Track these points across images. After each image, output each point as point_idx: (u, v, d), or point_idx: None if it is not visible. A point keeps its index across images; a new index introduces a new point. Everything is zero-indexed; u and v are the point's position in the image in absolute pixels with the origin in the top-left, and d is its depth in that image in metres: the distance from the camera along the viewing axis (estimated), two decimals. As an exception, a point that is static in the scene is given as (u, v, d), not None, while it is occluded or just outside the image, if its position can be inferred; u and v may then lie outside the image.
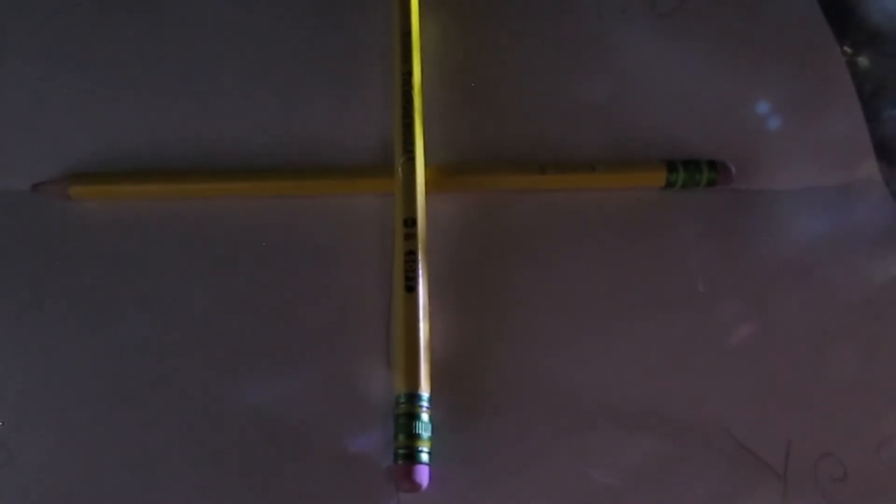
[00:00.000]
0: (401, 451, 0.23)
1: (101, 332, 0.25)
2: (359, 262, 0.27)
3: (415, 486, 0.22)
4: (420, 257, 0.25)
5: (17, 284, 0.26)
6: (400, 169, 0.27)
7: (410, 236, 0.25)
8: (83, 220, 0.27)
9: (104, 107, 0.29)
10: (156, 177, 0.28)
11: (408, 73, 0.29)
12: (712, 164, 0.29)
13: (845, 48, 0.32)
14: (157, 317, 0.26)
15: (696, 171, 0.28)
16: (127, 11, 0.31)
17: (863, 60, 0.32)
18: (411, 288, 0.25)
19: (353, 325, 0.26)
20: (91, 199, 0.27)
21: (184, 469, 0.23)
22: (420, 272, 0.25)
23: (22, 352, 0.25)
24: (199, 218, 0.27)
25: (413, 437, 0.23)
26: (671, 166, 0.28)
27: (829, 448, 0.24)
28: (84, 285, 0.26)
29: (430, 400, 0.24)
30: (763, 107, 0.31)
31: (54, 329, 0.25)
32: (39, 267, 0.26)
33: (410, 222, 0.26)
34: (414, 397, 0.23)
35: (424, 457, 0.23)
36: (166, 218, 0.27)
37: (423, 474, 0.22)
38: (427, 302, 0.25)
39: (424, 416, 0.23)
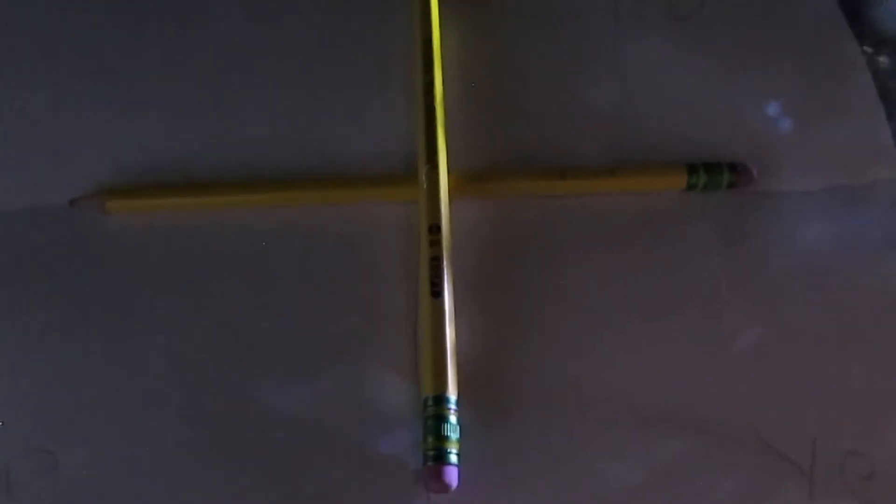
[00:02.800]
0: (430, 453, 0.23)
1: (137, 341, 0.26)
2: (385, 269, 0.27)
3: (445, 487, 0.23)
4: (445, 263, 0.26)
5: (56, 297, 0.27)
6: (424, 177, 0.27)
7: (435, 243, 0.26)
8: (118, 233, 0.28)
9: (134, 123, 0.30)
10: (187, 189, 0.29)
11: (430, 83, 0.29)
12: (733, 167, 0.29)
13: (865, 48, 0.32)
14: (190, 325, 0.26)
15: (717, 173, 0.29)
16: (154, 30, 0.32)
17: (883, 60, 0.32)
18: (437, 293, 0.25)
19: (381, 330, 0.26)
20: (125, 212, 0.28)
21: (216, 472, 0.24)
22: (445, 278, 0.26)
23: (63, 362, 0.26)
24: (228, 228, 0.28)
25: (442, 438, 0.23)
26: (692, 169, 0.29)
27: (856, 446, 0.24)
28: (121, 296, 0.27)
29: (458, 402, 0.24)
30: (782, 108, 0.31)
31: (94, 340, 0.26)
32: (78, 280, 0.27)
33: (435, 229, 0.26)
34: (442, 399, 0.24)
35: (454, 458, 0.23)
36: (197, 229, 0.28)
37: (452, 475, 0.23)
38: (452, 307, 0.25)
39: (452, 418, 0.24)
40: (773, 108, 0.31)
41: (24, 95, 0.30)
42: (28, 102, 0.30)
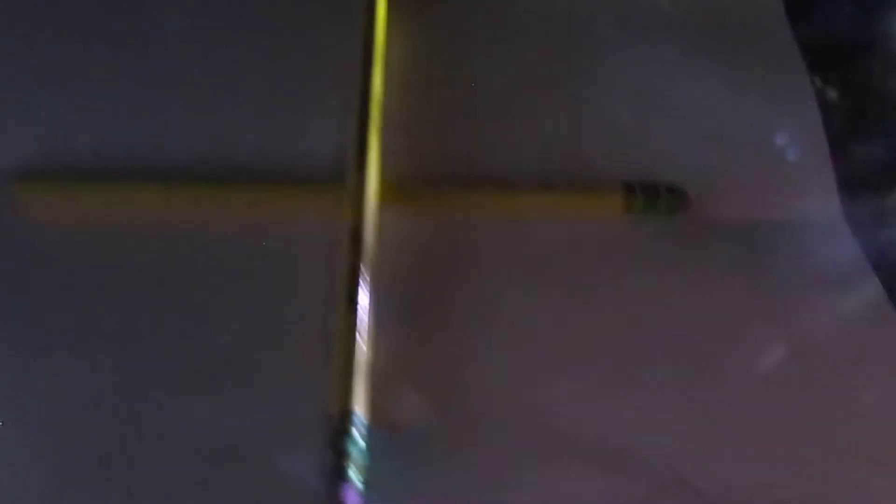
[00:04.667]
0: (332, 471, 0.22)
1: (47, 353, 0.25)
2: (310, 278, 0.26)
3: (343, 508, 0.22)
4: (365, 272, 0.25)
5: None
6: (351, 183, 0.26)
7: (355, 250, 0.25)
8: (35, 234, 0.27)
9: (57, 111, 0.29)
10: (108, 183, 0.27)
11: (367, 86, 0.28)
12: (671, 190, 0.28)
13: (815, 80, 0.32)
14: (96, 335, 0.25)
15: (655, 195, 0.28)
16: (93, 22, 0.31)
17: (832, 94, 0.32)
18: (352, 302, 0.24)
19: (298, 341, 0.25)
20: (41, 204, 0.27)
21: (121, 490, 0.23)
22: (361, 289, 0.24)
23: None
24: (148, 232, 0.27)
25: (342, 454, 0.22)
26: (629, 189, 0.28)
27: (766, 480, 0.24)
28: (31, 301, 0.25)
29: (366, 421, 0.23)
30: (729, 136, 0.31)
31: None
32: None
33: (356, 235, 0.25)
34: (346, 415, 0.22)
35: (355, 478, 0.22)
36: (115, 232, 0.27)
37: (352, 497, 0.22)
38: (371, 318, 0.24)
39: (356, 434, 0.22)
40: (719, 136, 0.31)
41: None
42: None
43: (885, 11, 0.33)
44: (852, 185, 0.30)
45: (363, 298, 0.24)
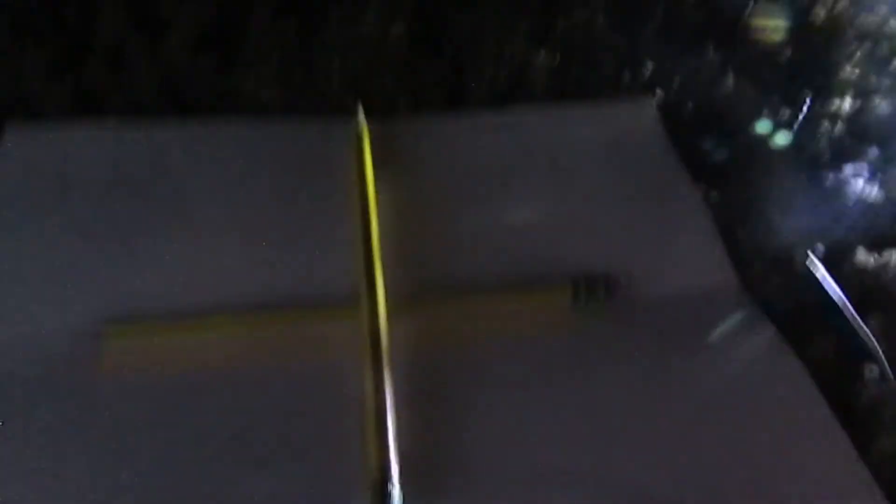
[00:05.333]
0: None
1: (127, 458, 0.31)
2: (337, 386, 0.33)
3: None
4: (385, 368, 0.33)
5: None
6: (364, 299, 0.35)
7: (377, 352, 0.33)
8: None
9: (111, 271, 0.37)
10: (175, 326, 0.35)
11: (367, 227, 0.37)
12: (607, 279, 0.37)
13: (700, 185, 0.42)
14: (174, 435, 0.32)
15: (594, 286, 0.37)
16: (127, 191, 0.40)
17: (714, 195, 0.42)
18: (379, 391, 0.32)
19: (333, 438, 0.32)
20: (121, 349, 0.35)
21: None
22: (386, 381, 0.32)
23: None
24: (202, 357, 0.34)
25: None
26: (575, 284, 0.37)
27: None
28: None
29: (402, 490, 0.29)
30: (639, 230, 0.40)
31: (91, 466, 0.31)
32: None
33: (375, 340, 0.33)
34: (384, 485, 0.29)
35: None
36: (176, 361, 0.34)
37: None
38: (393, 405, 0.32)
39: (395, 498, 0.29)
40: (631, 232, 0.40)
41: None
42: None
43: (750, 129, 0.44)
44: (742, 263, 0.39)
45: (387, 388, 0.32)
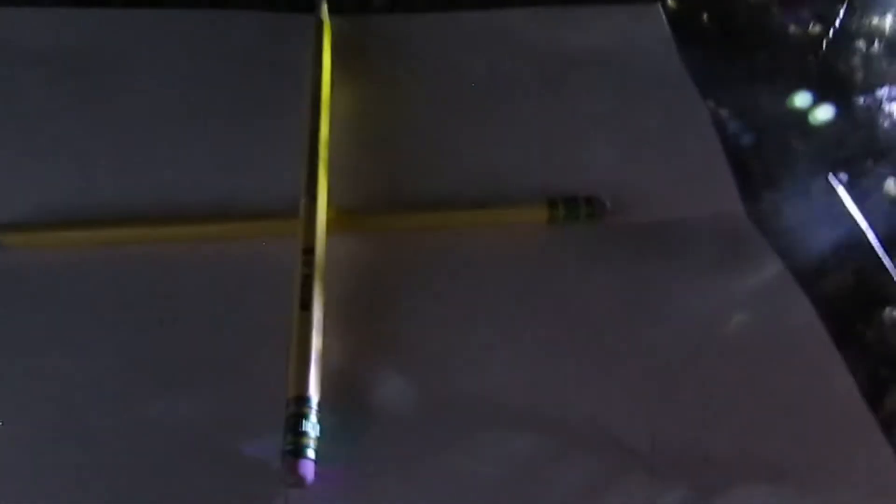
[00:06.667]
0: (288, 448, 0.24)
1: (29, 368, 0.27)
2: (267, 297, 0.29)
3: (300, 481, 0.24)
4: (316, 282, 0.28)
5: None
6: (303, 208, 0.30)
7: (307, 263, 0.28)
8: (15, 269, 0.30)
9: (35, 164, 0.32)
10: (80, 225, 0.31)
11: (316, 128, 0.32)
12: (588, 200, 0.32)
13: (709, 102, 0.37)
14: (82, 350, 0.28)
15: (574, 206, 0.32)
16: (66, 82, 0.35)
17: (724, 113, 0.36)
18: (306, 306, 0.27)
19: (259, 350, 0.28)
20: (23, 247, 0.30)
21: (95, 482, 0.25)
22: (315, 293, 0.28)
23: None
24: (121, 262, 0.30)
25: (300, 434, 0.24)
26: (552, 203, 0.32)
27: (692, 436, 0.26)
28: (14, 327, 0.28)
29: (320, 406, 0.25)
30: (636, 152, 0.35)
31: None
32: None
33: (308, 251, 0.29)
34: (302, 400, 0.25)
35: (310, 453, 0.24)
36: (90, 264, 0.30)
37: (307, 468, 0.24)
38: (320, 319, 0.27)
39: (312, 417, 0.25)
40: (628, 152, 0.35)
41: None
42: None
43: (761, 44, 0.38)
44: (749, 185, 0.33)
45: (316, 303, 0.27)
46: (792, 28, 0.39)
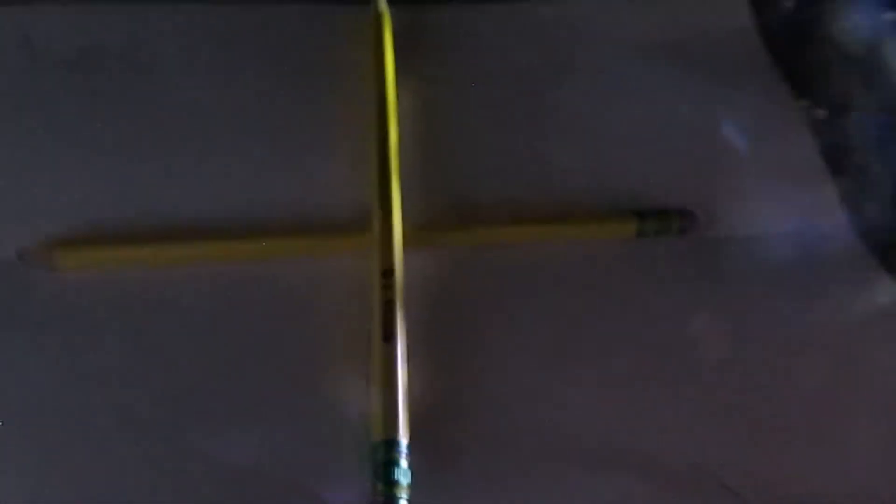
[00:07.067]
0: (379, 499, 0.22)
1: (87, 397, 0.25)
2: (337, 320, 0.27)
3: (394, 535, 0.22)
4: (398, 307, 0.26)
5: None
6: (377, 223, 0.28)
7: (388, 287, 0.26)
8: (67, 289, 0.27)
9: (85, 179, 0.30)
10: (139, 243, 0.28)
11: (384, 135, 0.30)
12: (680, 213, 0.30)
13: (802, 103, 0.34)
14: (140, 379, 0.26)
15: (664, 220, 0.29)
16: (109, 86, 0.32)
17: (821, 113, 0.34)
18: (389, 337, 0.25)
19: (333, 380, 0.26)
20: (76, 267, 0.28)
21: None
22: (398, 322, 0.25)
23: (9, 420, 0.24)
24: (179, 283, 0.28)
25: (391, 483, 0.22)
26: (641, 216, 0.29)
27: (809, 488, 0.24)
28: (69, 351, 0.26)
29: (409, 448, 0.23)
30: (727, 158, 0.32)
31: (42, 395, 0.25)
32: (25, 336, 0.26)
33: (388, 273, 0.26)
34: (392, 444, 0.23)
35: (403, 503, 0.22)
36: (148, 284, 0.28)
37: (401, 522, 0.22)
38: (405, 351, 0.25)
39: (403, 463, 0.23)
40: (717, 159, 0.32)
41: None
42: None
43: (860, 31, 0.35)
44: (851, 195, 0.31)
45: (398, 331, 0.25)
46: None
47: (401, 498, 0.22)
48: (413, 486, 0.23)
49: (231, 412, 0.25)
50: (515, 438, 0.25)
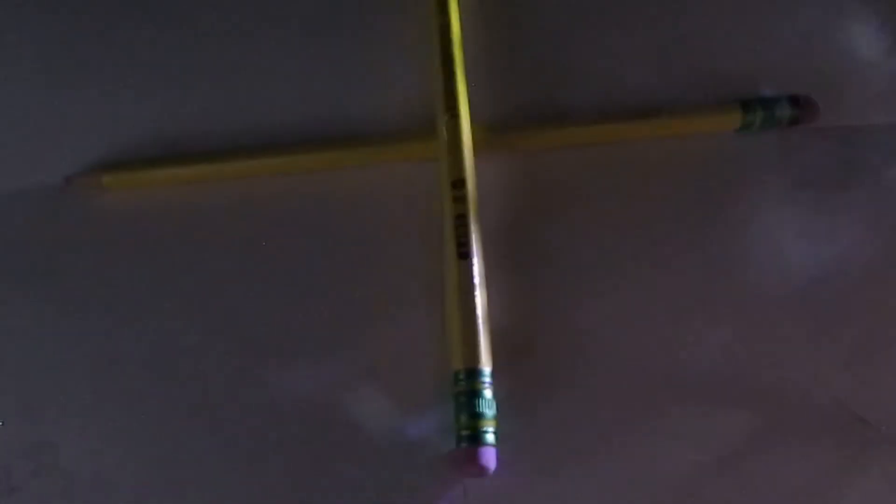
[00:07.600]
0: (464, 433, 0.20)
1: (138, 327, 0.24)
2: (404, 234, 0.25)
3: (482, 471, 0.20)
4: (472, 221, 0.23)
5: (52, 283, 0.25)
6: (444, 128, 0.25)
7: (460, 199, 0.23)
8: (115, 214, 0.26)
9: (128, 98, 0.27)
10: (188, 160, 0.26)
11: (446, 25, 0.26)
12: (793, 100, 0.25)
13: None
14: (195, 308, 0.24)
15: (775, 108, 0.25)
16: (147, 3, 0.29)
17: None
18: (465, 255, 0.22)
19: (403, 301, 0.24)
20: (124, 189, 0.26)
21: (224, 465, 0.22)
22: (473, 237, 0.23)
23: (60, 352, 0.24)
24: (232, 201, 0.26)
25: (476, 416, 0.20)
26: (746, 106, 0.25)
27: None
28: (120, 280, 0.25)
29: (492, 376, 0.21)
30: (844, 38, 0.28)
31: (92, 327, 0.24)
32: (74, 264, 0.25)
33: (459, 184, 0.23)
34: (474, 373, 0.21)
35: (490, 437, 0.20)
36: (199, 205, 0.26)
37: (490, 457, 0.20)
38: (482, 269, 0.23)
39: (487, 393, 0.21)
40: (832, 39, 0.28)
41: (15, 75, 0.28)
42: (18, 83, 0.28)
43: None
44: None
45: (475, 249, 0.23)
46: None
47: (487, 432, 0.20)
48: (498, 420, 0.21)
49: (291, 342, 0.23)
50: (609, 368, 0.22)
